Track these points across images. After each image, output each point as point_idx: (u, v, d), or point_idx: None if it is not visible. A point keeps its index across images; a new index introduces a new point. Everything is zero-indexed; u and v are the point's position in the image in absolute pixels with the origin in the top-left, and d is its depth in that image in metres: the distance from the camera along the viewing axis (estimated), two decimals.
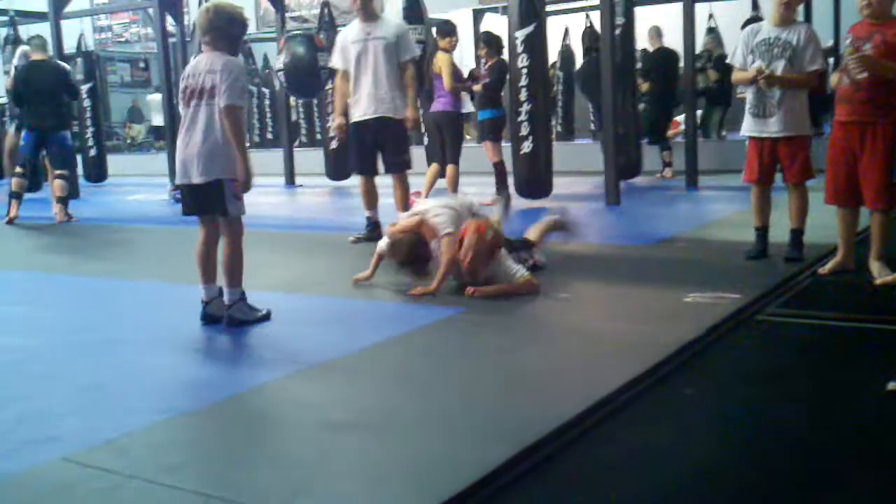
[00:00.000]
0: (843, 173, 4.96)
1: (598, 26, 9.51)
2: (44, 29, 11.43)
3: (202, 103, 4.28)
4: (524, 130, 8.27)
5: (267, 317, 4.46)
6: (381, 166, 7.01)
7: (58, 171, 9.14)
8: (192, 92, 4.32)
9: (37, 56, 9.29)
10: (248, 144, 4.46)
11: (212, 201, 4.33)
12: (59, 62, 9.94)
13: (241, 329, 4.32)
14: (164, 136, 12.39)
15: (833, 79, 5.08)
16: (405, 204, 6.96)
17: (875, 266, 4.87)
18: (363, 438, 2.91)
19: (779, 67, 5.21)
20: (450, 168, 8.68)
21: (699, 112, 11.86)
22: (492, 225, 4.92)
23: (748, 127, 5.41)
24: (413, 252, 5.02)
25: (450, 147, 8.74)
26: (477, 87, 9.14)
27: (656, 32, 11.24)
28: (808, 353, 3.80)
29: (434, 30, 8.99)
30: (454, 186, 8.64)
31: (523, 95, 8.25)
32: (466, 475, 2.48)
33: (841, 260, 5.07)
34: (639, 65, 11.04)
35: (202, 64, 4.31)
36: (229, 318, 4.37)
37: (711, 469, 2.60)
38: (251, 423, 3.14)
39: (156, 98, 17.92)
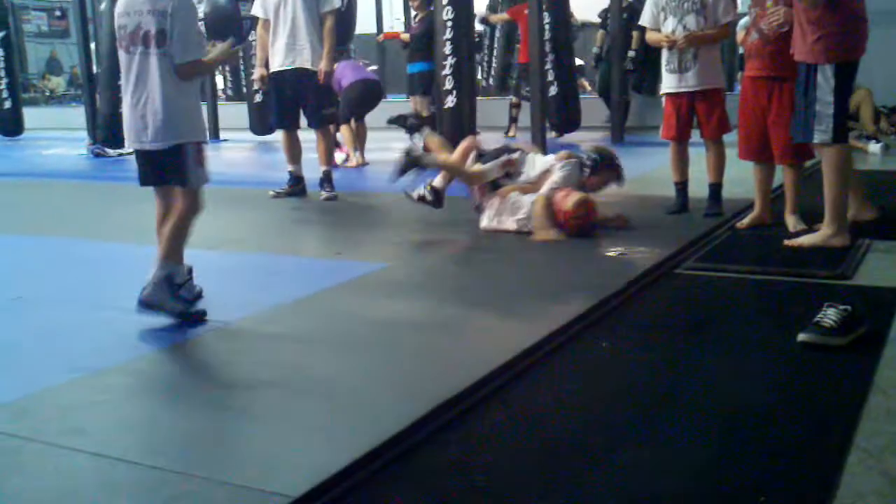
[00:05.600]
0: (754, 129, 5.02)
1: None
2: None
3: (150, 52, 3.54)
4: (448, 84, 8.18)
5: (191, 316, 3.62)
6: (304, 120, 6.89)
7: None
8: (133, 36, 3.57)
9: None
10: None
11: (169, 170, 3.71)
12: None
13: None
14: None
15: (739, 35, 5.14)
16: (329, 159, 6.85)
17: (790, 220, 4.96)
18: (280, 396, 2.85)
19: (690, 21, 5.25)
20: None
21: None
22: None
23: (666, 84, 5.46)
24: None
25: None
26: (405, 37, 9.04)
27: None
28: (727, 305, 3.85)
29: None
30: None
31: (448, 49, 8.14)
32: (377, 435, 2.42)
33: (758, 214, 5.14)
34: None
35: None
36: (142, 299, 3.59)
37: (628, 419, 2.61)
38: (163, 384, 3.06)
39: None
